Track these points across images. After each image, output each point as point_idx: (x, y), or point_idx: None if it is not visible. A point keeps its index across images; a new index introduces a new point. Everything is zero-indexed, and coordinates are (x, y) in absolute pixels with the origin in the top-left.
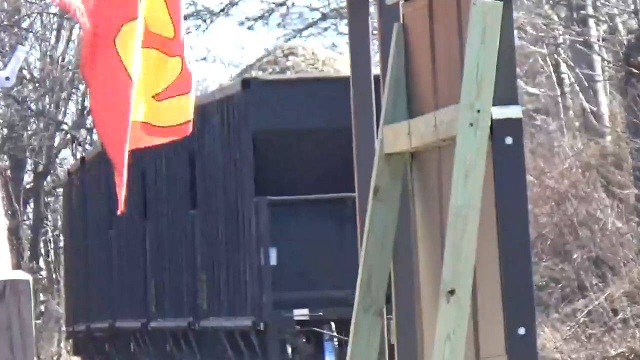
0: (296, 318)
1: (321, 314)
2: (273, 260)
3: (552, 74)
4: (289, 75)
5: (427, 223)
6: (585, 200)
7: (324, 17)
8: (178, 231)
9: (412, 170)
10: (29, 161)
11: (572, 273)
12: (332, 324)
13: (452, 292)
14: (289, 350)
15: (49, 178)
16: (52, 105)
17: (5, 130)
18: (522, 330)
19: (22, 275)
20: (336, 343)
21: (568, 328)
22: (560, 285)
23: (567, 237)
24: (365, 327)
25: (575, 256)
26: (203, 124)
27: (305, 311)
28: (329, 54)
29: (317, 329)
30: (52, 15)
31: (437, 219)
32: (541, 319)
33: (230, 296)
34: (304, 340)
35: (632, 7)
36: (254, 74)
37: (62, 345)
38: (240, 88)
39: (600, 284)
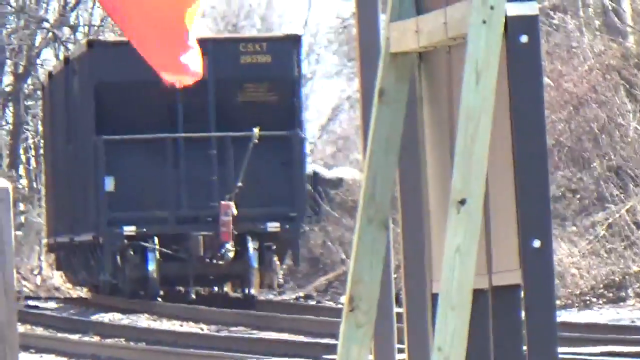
0: (125, 233)
1: (145, 230)
2: (109, 187)
3: None
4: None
5: (436, 128)
6: (605, 105)
7: None
8: (62, 162)
9: (420, 72)
10: (8, 62)
11: (591, 183)
12: (155, 238)
13: (462, 201)
14: (119, 259)
15: (29, 80)
16: (33, 1)
17: None
18: (537, 243)
19: (0, 182)
20: (157, 254)
21: (586, 242)
22: (578, 196)
23: (586, 145)
24: (368, 238)
25: (594, 165)
26: (72, 74)
27: (133, 228)
28: None
29: (142, 243)
30: None
31: (447, 123)
32: (557, 232)
33: (82, 216)
34: (132, 251)
35: None
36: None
37: (42, 258)
38: (85, 48)
39: (621, 195)
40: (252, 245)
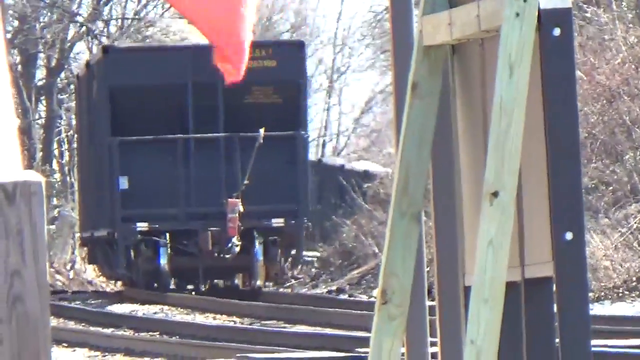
0: (138, 229)
1: (157, 226)
2: (123, 186)
3: None
4: (141, 43)
5: (468, 121)
6: (638, 98)
7: None
8: (86, 161)
9: (453, 64)
10: (41, 56)
11: (624, 175)
12: (167, 234)
13: (495, 194)
14: (132, 253)
15: (62, 74)
16: None
17: (16, 23)
18: (569, 235)
19: (34, 176)
20: (169, 249)
21: (619, 234)
22: (610, 188)
23: (619, 137)
24: (401, 231)
25: (627, 157)
26: (92, 78)
27: (146, 224)
28: (181, 26)
29: (155, 238)
30: None
31: (480, 116)
32: (590, 224)
33: (99, 213)
34: (144, 246)
35: None
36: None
37: (76, 252)
38: (101, 53)
39: None
40: (257, 240)
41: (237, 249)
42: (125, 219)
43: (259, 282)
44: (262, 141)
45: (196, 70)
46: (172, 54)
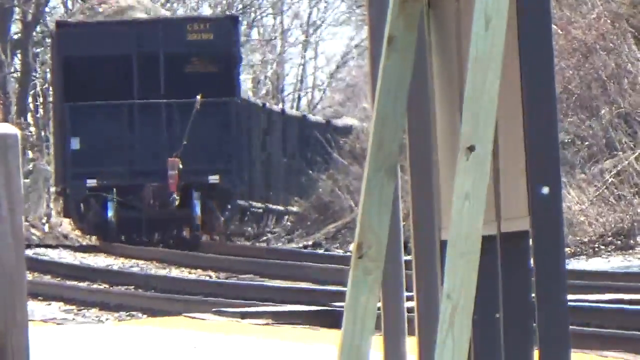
0: (88, 185)
1: (105, 182)
2: (74, 146)
3: None
4: (91, 19)
5: (444, 76)
6: (614, 53)
7: None
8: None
9: (429, 18)
10: (17, 10)
11: (600, 130)
12: (114, 189)
13: (471, 148)
14: (83, 207)
15: (38, 28)
16: None
17: None
18: (545, 190)
19: (9, 129)
20: (115, 203)
21: (595, 189)
22: (587, 143)
23: (595, 92)
24: (377, 186)
25: (603, 112)
26: (51, 49)
27: (94, 181)
28: (131, 1)
29: (103, 193)
30: None
31: (456, 71)
32: (566, 179)
33: (56, 170)
34: (94, 201)
35: None
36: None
37: (51, 206)
38: (55, 27)
39: (630, 142)
40: (195, 195)
41: (177, 202)
42: (76, 176)
43: (197, 233)
44: (199, 107)
45: (140, 43)
46: (118, 28)
